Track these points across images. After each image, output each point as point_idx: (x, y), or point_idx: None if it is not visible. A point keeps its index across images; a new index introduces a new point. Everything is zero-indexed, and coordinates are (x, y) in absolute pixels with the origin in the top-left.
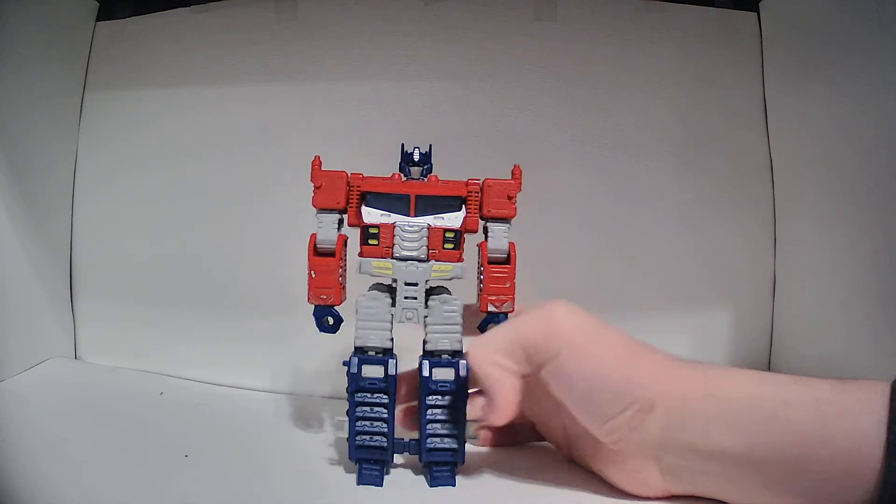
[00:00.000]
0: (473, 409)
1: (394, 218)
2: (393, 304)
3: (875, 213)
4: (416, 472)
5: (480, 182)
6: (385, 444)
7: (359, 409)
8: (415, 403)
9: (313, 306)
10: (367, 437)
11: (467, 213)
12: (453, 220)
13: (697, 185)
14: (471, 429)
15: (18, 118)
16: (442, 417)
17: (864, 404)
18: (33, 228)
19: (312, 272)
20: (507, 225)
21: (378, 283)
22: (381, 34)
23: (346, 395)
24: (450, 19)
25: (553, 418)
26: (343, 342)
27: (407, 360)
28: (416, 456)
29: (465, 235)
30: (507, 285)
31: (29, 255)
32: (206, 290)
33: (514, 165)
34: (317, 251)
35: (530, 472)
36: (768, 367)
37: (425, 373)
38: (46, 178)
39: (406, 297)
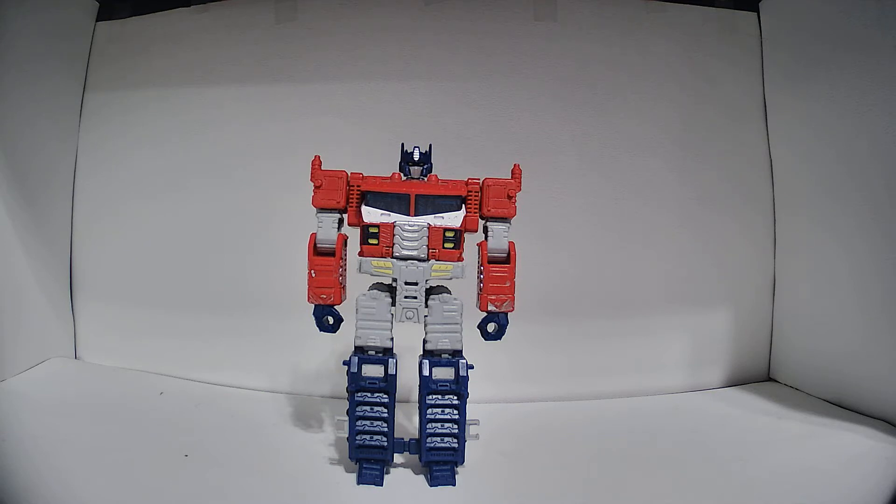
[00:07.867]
0: None
1: (394, 217)
2: (393, 304)
3: (875, 212)
4: (416, 472)
5: (480, 181)
6: (385, 444)
7: (359, 408)
8: None
9: (313, 306)
10: (368, 437)
11: (467, 212)
12: (453, 219)
13: (698, 184)
14: (471, 428)
15: (18, 118)
16: (442, 417)
17: None
18: (33, 228)
19: (312, 272)
20: (507, 224)
21: (378, 283)
22: (381, 34)
23: (346, 394)
24: (450, 19)
25: None
26: (343, 342)
27: (407, 360)
28: (416, 456)
29: (465, 235)
30: (507, 284)
31: (29, 255)
32: (206, 290)
33: (514, 165)
34: (317, 251)
35: (530, 472)
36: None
37: (425, 372)
38: (46, 178)
39: (406, 297)
